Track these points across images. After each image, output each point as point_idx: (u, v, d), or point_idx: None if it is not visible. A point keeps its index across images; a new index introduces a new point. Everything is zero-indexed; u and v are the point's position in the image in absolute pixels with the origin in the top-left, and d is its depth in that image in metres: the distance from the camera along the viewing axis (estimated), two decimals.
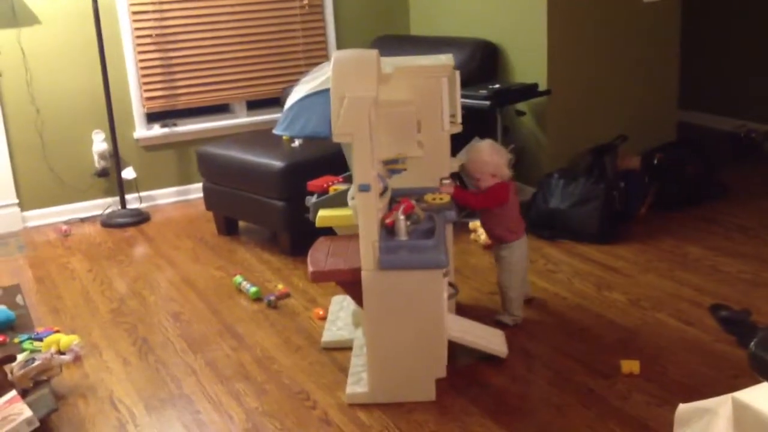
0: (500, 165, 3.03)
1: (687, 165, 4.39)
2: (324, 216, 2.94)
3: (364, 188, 2.46)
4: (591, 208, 3.93)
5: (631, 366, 2.75)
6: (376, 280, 2.55)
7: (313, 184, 3.15)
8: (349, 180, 3.18)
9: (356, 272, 2.56)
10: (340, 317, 3.20)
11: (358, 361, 2.84)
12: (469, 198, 3.03)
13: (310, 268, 2.60)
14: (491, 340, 2.92)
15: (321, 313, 3.31)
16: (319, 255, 2.68)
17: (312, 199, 3.06)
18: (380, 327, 2.60)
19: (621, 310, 3.23)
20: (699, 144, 4.62)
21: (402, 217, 2.59)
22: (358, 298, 2.62)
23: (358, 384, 2.71)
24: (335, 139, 2.47)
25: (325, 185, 3.11)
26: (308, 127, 2.63)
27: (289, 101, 2.75)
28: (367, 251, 2.53)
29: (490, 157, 3.01)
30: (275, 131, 2.83)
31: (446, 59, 2.97)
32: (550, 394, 2.67)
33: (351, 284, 2.60)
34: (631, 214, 4.15)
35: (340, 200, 2.99)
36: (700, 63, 5.82)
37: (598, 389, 2.67)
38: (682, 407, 1.71)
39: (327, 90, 2.51)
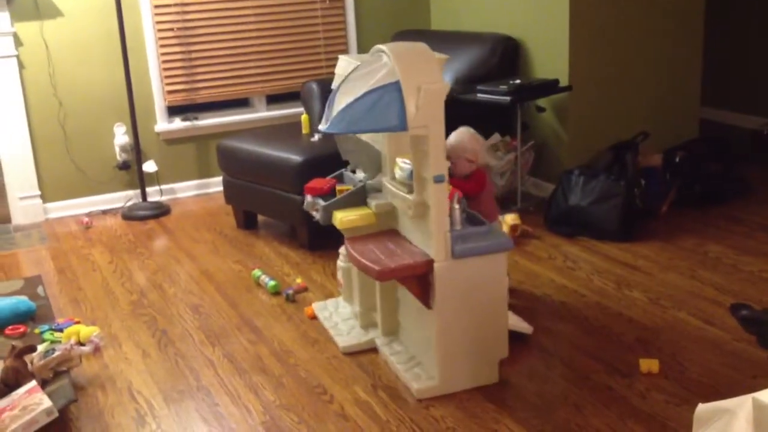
0: (478, 152, 3.08)
1: (709, 163, 4.35)
2: (346, 218, 2.91)
3: (440, 179, 2.49)
4: (611, 205, 3.91)
5: (650, 365, 2.73)
6: (448, 270, 2.57)
7: (310, 187, 3.16)
8: (339, 180, 3.19)
9: (427, 264, 2.57)
10: (337, 322, 3.17)
11: (399, 359, 2.84)
12: (461, 185, 3.02)
13: (376, 268, 2.57)
14: (515, 318, 2.98)
15: (311, 312, 3.31)
16: (373, 255, 2.66)
17: (320, 202, 3.06)
18: (450, 317, 2.62)
19: (641, 309, 3.21)
20: (721, 142, 4.57)
21: (457, 206, 2.61)
22: (421, 292, 2.62)
23: (419, 379, 2.71)
24: (412, 132, 2.45)
25: (326, 187, 3.11)
26: (378, 123, 2.47)
27: (345, 99, 2.50)
28: (440, 242, 2.55)
29: (469, 143, 3.06)
30: (330, 129, 2.53)
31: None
32: (568, 392, 2.66)
33: (417, 278, 2.60)
34: (652, 211, 4.12)
35: (351, 200, 2.99)
36: (723, 60, 5.76)
37: (617, 388, 2.66)
38: (702, 407, 1.70)
39: (393, 84, 2.43)
